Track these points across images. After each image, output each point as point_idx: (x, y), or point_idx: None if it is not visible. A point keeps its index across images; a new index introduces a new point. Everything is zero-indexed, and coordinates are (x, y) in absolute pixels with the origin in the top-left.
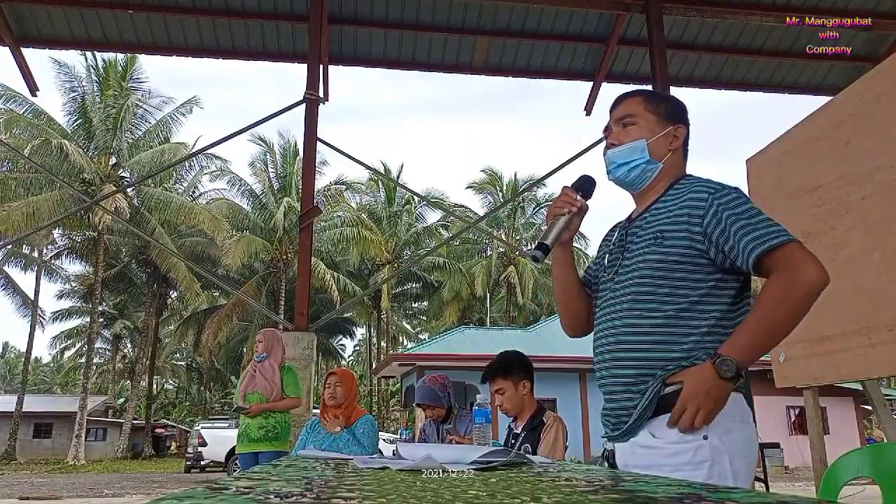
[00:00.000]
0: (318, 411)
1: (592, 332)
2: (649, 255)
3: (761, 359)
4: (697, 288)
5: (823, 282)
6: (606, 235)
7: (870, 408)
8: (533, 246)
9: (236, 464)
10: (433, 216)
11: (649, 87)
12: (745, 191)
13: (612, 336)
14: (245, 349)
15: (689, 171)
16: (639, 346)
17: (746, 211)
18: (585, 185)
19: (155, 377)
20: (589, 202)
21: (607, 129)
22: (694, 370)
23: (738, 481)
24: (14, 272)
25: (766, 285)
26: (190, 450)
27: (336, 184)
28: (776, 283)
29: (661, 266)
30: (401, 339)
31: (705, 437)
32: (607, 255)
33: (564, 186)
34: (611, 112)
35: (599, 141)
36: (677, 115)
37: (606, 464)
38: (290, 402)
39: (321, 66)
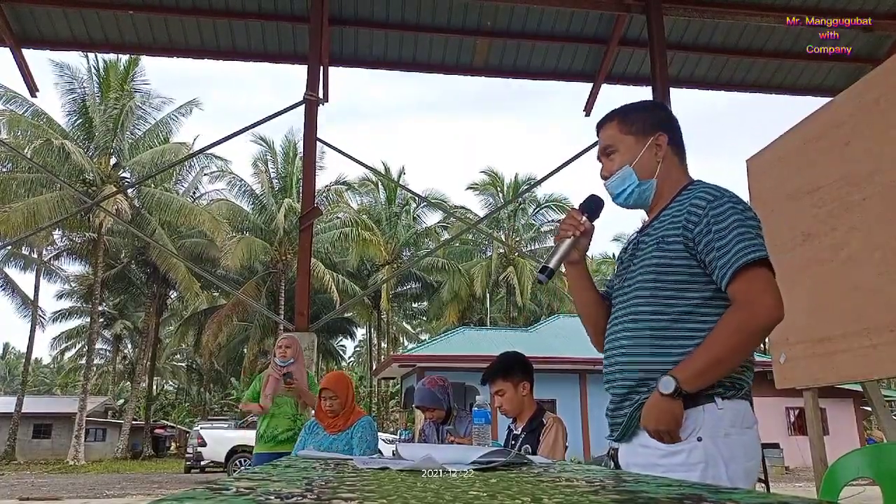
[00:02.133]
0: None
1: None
2: (652, 259)
3: (761, 359)
4: (697, 291)
5: (776, 319)
6: (623, 247)
7: (869, 409)
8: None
9: (236, 464)
10: (433, 217)
11: (622, 103)
12: (746, 191)
13: (615, 340)
14: (245, 350)
15: (688, 168)
16: (639, 350)
17: (731, 225)
18: (592, 206)
19: (155, 378)
20: (596, 221)
21: (600, 160)
22: (652, 394)
23: (734, 486)
24: (14, 272)
25: (724, 317)
26: (189, 450)
27: (336, 184)
28: (733, 315)
29: (661, 270)
30: (401, 339)
31: (699, 439)
32: (620, 265)
33: (571, 208)
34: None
35: (596, 143)
36: (653, 122)
37: (612, 463)
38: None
39: (321, 67)
